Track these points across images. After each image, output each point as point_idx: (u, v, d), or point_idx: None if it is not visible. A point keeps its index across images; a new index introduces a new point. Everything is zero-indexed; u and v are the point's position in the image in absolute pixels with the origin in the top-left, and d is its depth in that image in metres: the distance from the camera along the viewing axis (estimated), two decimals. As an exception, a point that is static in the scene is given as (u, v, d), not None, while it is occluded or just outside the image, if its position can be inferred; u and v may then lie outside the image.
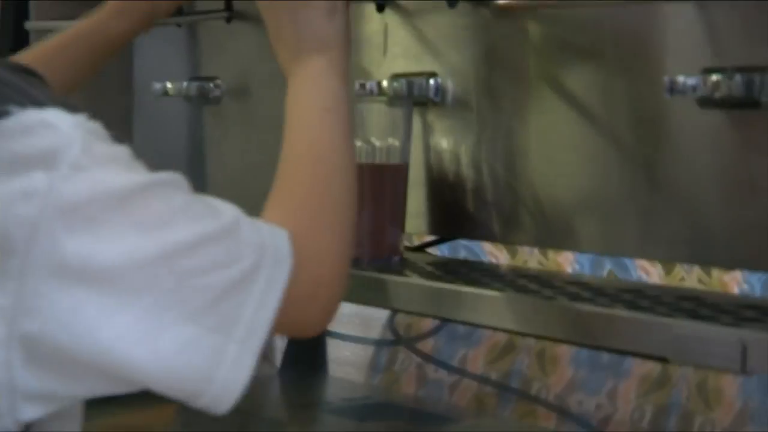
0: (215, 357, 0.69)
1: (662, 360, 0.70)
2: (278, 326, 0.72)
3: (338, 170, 0.83)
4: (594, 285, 0.87)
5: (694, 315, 0.75)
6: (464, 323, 1.41)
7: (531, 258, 1.59)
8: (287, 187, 0.82)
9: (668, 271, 1.44)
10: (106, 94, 1.49)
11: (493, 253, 1.62)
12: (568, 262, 1.55)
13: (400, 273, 0.98)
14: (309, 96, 0.86)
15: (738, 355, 0.67)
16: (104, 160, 0.69)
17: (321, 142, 0.84)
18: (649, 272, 1.46)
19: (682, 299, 0.81)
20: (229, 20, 1.28)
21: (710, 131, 0.85)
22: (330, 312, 0.77)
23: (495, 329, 0.85)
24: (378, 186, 1.04)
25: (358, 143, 1.04)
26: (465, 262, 1.14)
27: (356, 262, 1.01)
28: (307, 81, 0.87)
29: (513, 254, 1.61)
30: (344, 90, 0.87)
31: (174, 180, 0.73)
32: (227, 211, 0.74)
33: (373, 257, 1.03)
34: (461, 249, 1.62)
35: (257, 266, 0.71)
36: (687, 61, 0.85)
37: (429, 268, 1.01)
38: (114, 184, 0.68)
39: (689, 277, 1.42)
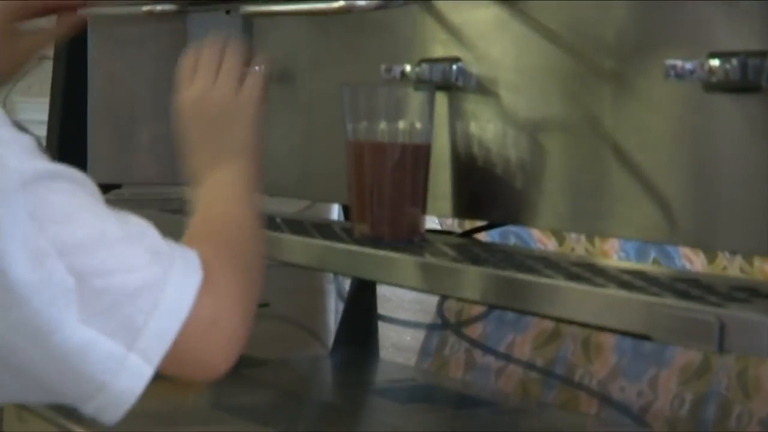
0: (113, 365, 0.66)
1: (645, 338, 0.71)
2: (175, 358, 0.68)
3: (246, 241, 0.84)
4: (596, 266, 0.88)
5: (683, 295, 0.76)
6: (504, 308, 1.43)
7: (578, 245, 1.59)
8: (202, 233, 0.83)
9: (711, 260, 1.44)
10: (163, 80, 1.54)
11: (542, 240, 1.63)
12: (614, 250, 1.56)
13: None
14: (218, 202, 0.88)
15: (716, 334, 0.68)
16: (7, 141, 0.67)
17: (234, 219, 0.86)
18: (692, 261, 1.46)
19: (679, 281, 0.82)
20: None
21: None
22: (230, 350, 0.74)
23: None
24: (399, 166, 1.06)
25: (382, 125, 1.07)
26: (487, 246, 1.16)
27: (376, 241, 1.04)
28: (217, 186, 0.89)
29: (561, 241, 1.62)
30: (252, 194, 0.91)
31: (80, 178, 0.70)
32: (135, 220, 0.72)
33: (393, 237, 1.05)
34: (511, 235, 1.63)
35: (165, 276, 0.69)
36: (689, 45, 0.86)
37: (448, 251, 1.03)
38: (12, 166, 0.65)
39: (731, 266, 1.42)
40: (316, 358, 1.71)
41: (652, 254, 1.51)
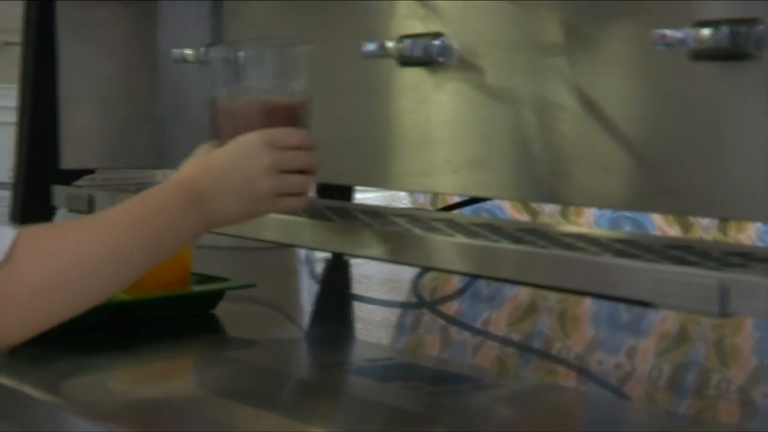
0: None
1: (647, 305, 0.72)
2: None
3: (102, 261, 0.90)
4: (588, 236, 0.89)
5: (680, 261, 0.76)
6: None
7: (552, 219, 1.60)
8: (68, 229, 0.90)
9: (686, 230, 1.45)
10: (134, 62, 1.53)
11: (514, 216, 1.64)
12: (588, 223, 1.57)
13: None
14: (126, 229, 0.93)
15: (717, 298, 0.69)
16: None
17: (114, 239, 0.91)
18: (666, 232, 1.47)
19: (673, 248, 0.82)
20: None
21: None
22: (8, 334, 0.82)
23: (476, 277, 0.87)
24: (270, 124, 1.02)
25: (250, 83, 1.04)
26: (473, 219, 1.16)
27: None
28: (152, 217, 0.94)
29: (534, 215, 1.63)
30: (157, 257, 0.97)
31: None
32: None
33: None
34: (483, 212, 1.64)
35: None
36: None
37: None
38: None
39: (706, 235, 1.43)
40: (290, 339, 1.71)
41: (627, 227, 1.52)
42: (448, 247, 0.89)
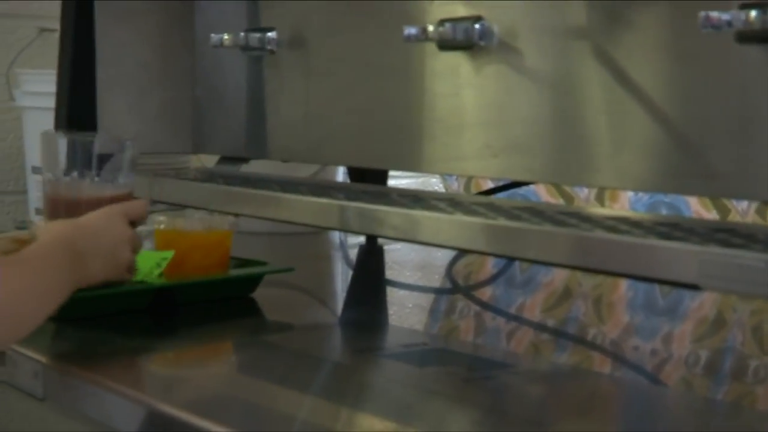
0: None
1: (693, 287, 0.72)
2: None
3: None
4: (631, 219, 0.89)
5: (726, 244, 0.76)
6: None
7: (587, 204, 1.60)
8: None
9: (724, 215, 1.45)
10: (171, 48, 1.53)
11: (549, 201, 1.64)
12: (623, 208, 1.56)
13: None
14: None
15: (766, 279, 0.69)
16: None
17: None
18: (703, 217, 1.47)
19: (717, 231, 0.82)
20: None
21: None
22: None
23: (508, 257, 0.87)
24: None
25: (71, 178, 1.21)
26: (515, 203, 1.16)
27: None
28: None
29: (569, 201, 1.63)
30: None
31: None
32: None
33: None
34: (517, 198, 1.64)
35: None
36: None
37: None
38: None
39: (744, 219, 1.43)
40: (326, 323, 1.71)
41: (663, 212, 1.52)
42: (498, 232, 0.89)
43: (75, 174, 1.21)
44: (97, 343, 1.16)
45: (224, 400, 0.99)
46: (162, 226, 1.30)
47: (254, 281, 1.39)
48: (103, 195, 1.20)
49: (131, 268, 1.16)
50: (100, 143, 1.23)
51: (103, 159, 1.23)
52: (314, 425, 0.93)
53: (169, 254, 1.26)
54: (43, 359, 1.02)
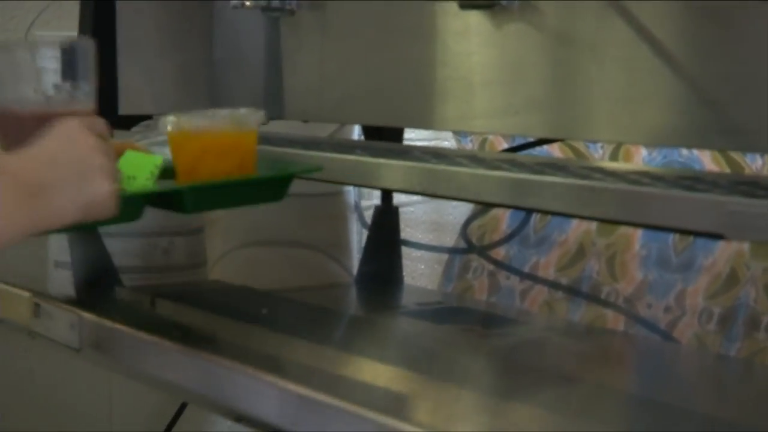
0: None
1: (718, 237, 0.74)
2: None
3: None
4: (652, 173, 0.90)
5: (749, 195, 0.78)
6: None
7: (601, 163, 1.61)
8: None
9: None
10: (188, 8, 1.54)
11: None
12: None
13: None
14: None
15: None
16: None
17: None
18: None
19: (739, 183, 0.84)
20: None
21: None
22: None
23: (549, 213, 0.89)
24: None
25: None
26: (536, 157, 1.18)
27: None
28: None
29: (583, 159, 1.64)
30: None
31: None
32: None
33: None
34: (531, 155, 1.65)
35: None
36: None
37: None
38: None
39: (757, 180, 1.44)
40: (341, 284, 1.73)
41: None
42: (535, 186, 0.90)
43: (23, 88, 0.99)
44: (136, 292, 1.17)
45: (243, 351, 1.01)
46: (169, 128, 1.09)
47: (276, 185, 1.13)
48: (55, 111, 0.97)
49: (112, 176, 0.92)
50: (46, 49, 1.01)
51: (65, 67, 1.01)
52: (333, 376, 0.95)
53: (158, 159, 1.03)
54: (79, 310, 1.03)
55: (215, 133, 1.08)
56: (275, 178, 1.12)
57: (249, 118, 1.09)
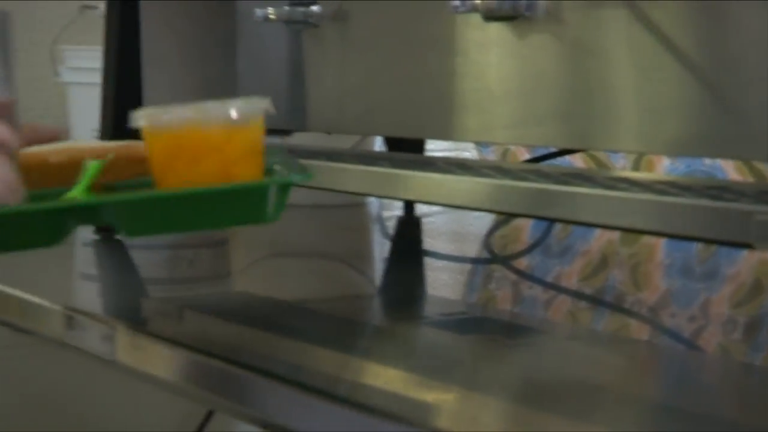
0: None
1: (747, 246, 0.74)
2: None
3: None
4: (678, 183, 0.91)
5: (776, 205, 0.78)
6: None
7: (624, 173, 1.62)
8: None
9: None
10: (211, 21, 1.55)
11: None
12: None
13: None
14: None
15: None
16: None
17: None
18: (740, 186, 1.48)
19: (765, 193, 0.84)
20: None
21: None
22: None
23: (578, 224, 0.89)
24: None
25: None
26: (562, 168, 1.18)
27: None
28: None
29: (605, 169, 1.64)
30: None
31: None
32: None
33: None
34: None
35: None
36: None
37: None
38: None
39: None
40: (363, 294, 1.74)
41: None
42: (562, 197, 0.91)
43: None
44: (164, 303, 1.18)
45: (269, 360, 1.02)
46: (142, 122, 0.86)
47: (252, 198, 0.84)
48: None
49: (12, 187, 0.77)
50: None
51: None
52: (359, 385, 0.95)
53: (96, 164, 0.84)
54: (113, 322, 1.04)
55: (189, 129, 0.83)
56: (246, 188, 0.82)
57: (245, 109, 0.84)
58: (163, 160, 0.84)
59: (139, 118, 0.85)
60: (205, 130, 0.83)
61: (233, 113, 0.84)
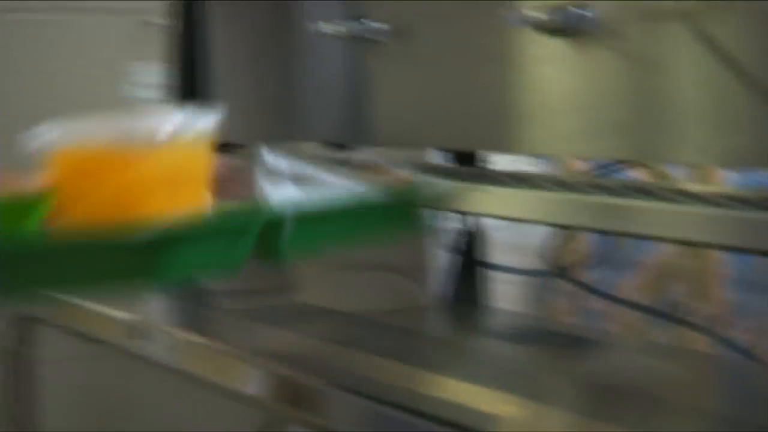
0: None
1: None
2: None
3: None
4: (737, 195, 0.91)
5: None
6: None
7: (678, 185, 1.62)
8: None
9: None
10: (277, 38, 1.57)
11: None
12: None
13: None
14: None
15: None
16: None
17: None
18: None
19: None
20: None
21: None
22: None
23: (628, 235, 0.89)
24: None
25: None
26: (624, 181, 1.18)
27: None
28: None
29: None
30: None
31: None
32: None
33: None
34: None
35: None
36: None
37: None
38: None
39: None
40: (422, 305, 1.74)
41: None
42: (623, 211, 0.91)
43: None
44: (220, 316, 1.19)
45: (339, 372, 1.03)
46: (48, 141, 0.72)
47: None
48: None
49: None
50: None
51: None
52: (423, 396, 0.96)
53: (48, 196, 0.71)
54: (175, 331, 1.06)
55: (94, 149, 0.68)
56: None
57: (179, 123, 0.66)
58: (64, 180, 0.72)
59: (47, 135, 0.72)
60: (107, 149, 0.67)
61: (157, 130, 0.66)
